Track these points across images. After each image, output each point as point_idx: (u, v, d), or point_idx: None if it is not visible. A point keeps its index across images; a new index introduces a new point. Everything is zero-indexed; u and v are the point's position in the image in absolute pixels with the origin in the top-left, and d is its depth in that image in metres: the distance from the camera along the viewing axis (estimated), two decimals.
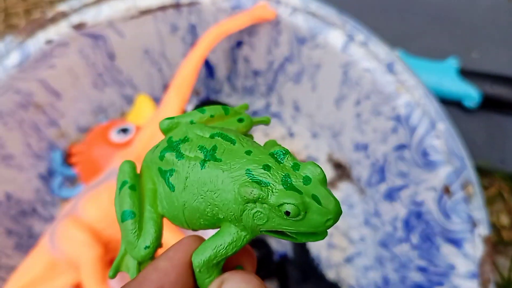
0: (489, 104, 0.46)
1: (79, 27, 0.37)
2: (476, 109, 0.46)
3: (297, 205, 0.13)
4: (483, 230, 0.31)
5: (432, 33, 0.50)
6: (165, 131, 0.17)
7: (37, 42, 0.37)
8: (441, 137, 0.33)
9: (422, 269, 0.34)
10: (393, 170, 0.38)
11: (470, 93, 0.45)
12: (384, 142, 0.38)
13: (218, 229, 0.15)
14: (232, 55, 0.42)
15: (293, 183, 0.14)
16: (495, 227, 0.44)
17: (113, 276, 0.17)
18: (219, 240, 0.15)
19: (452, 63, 0.47)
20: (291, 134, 0.46)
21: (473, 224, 0.31)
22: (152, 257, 0.16)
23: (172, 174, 0.15)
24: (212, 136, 0.15)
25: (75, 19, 0.37)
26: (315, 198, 0.14)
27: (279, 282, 0.40)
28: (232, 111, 0.18)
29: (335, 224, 0.43)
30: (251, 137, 0.18)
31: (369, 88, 0.36)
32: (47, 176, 0.42)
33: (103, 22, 0.37)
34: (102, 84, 0.42)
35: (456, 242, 0.32)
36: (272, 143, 0.16)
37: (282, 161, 0.14)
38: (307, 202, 0.14)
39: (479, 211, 0.32)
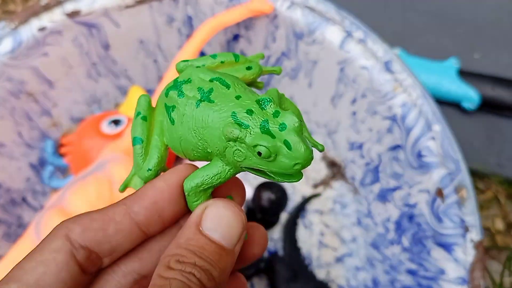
0: (488, 106, 0.45)
1: (73, 15, 0.36)
2: (475, 111, 0.46)
3: (268, 148, 0.15)
4: (475, 235, 0.31)
5: (434, 32, 0.49)
6: (180, 71, 0.19)
7: (29, 29, 0.36)
8: (436, 139, 0.33)
9: (411, 272, 0.34)
10: (387, 170, 0.37)
11: (469, 95, 0.44)
12: (379, 142, 0.37)
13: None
14: (229, 48, 0.41)
15: (269, 128, 0.16)
16: (490, 232, 0.43)
17: (123, 190, 0.19)
18: (207, 171, 0.17)
19: (453, 64, 0.46)
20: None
21: (465, 228, 0.31)
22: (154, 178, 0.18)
23: (173, 110, 0.17)
24: (211, 80, 0.17)
25: (70, 6, 0.36)
26: (286, 143, 0.15)
27: (269, 279, 0.39)
28: (242, 58, 0.20)
29: (327, 223, 0.42)
30: (262, 84, 0.20)
31: (365, 86, 0.35)
32: (38, 166, 0.41)
33: (97, 11, 0.37)
34: (96, 74, 0.41)
35: (447, 247, 0.31)
36: (272, 91, 0.18)
37: (265, 108, 0.16)
38: (278, 146, 0.15)
39: (472, 216, 0.31)
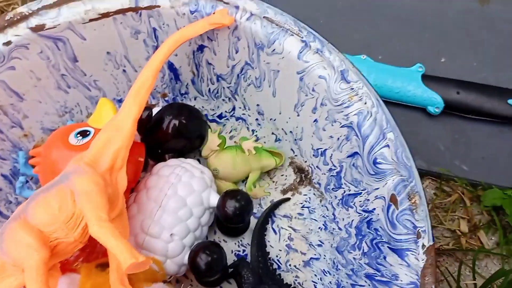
0: (453, 110, 0.46)
1: (37, 29, 0.37)
2: (441, 114, 0.46)
3: None
4: (427, 241, 0.31)
5: (401, 38, 0.49)
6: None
7: None
8: (391, 147, 0.34)
9: (370, 277, 0.35)
10: (348, 177, 0.38)
11: (434, 99, 0.45)
12: (339, 149, 0.38)
13: None
14: (195, 59, 0.42)
15: None
16: (455, 234, 0.44)
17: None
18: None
19: (418, 69, 0.47)
20: (257, 138, 0.46)
21: (418, 234, 0.32)
22: None
23: None
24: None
25: (34, 20, 0.37)
26: None
27: (237, 284, 0.40)
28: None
29: (296, 228, 0.43)
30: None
31: (324, 95, 0.36)
32: (11, 177, 0.42)
33: (62, 24, 0.37)
34: (65, 86, 0.42)
35: (400, 252, 0.32)
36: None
37: None
38: None
39: (423, 222, 0.32)
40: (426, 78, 0.46)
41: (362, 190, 0.36)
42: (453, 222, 0.44)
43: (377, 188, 0.35)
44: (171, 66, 0.43)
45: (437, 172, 0.45)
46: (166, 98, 0.47)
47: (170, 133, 0.41)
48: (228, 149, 0.43)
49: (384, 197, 0.34)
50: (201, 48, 0.40)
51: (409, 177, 0.33)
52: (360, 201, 0.37)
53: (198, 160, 0.46)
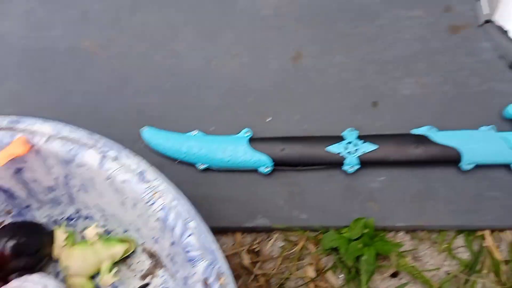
0: (282, 165, 0.49)
1: None
2: (275, 172, 0.50)
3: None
4: None
5: (228, 106, 0.53)
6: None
7: None
8: (194, 234, 0.36)
9: None
10: (179, 262, 0.40)
11: (262, 161, 0.49)
12: (164, 238, 0.40)
13: None
14: (19, 178, 0.43)
15: None
16: (303, 281, 0.47)
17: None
18: None
19: (245, 134, 0.50)
20: (108, 232, 0.48)
21: None
22: None
23: None
24: None
25: None
26: None
27: None
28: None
29: None
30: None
31: (132, 195, 0.38)
32: None
33: None
34: None
35: None
36: None
37: None
38: None
39: None
40: (254, 141, 0.50)
41: (190, 274, 0.39)
42: (301, 270, 0.47)
43: (195, 273, 0.37)
44: (1, 189, 0.44)
45: (281, 227, 0.49)
46: (11, 214, 0.48)
47: (8, 255, 0.42)
48: (77, 244, 0.45)
49: (200, 281, 0.36)
50: (19, 169, 0.42)
51: (214, 260, 0.36)
52: (193, 282, 0.39)
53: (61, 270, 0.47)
